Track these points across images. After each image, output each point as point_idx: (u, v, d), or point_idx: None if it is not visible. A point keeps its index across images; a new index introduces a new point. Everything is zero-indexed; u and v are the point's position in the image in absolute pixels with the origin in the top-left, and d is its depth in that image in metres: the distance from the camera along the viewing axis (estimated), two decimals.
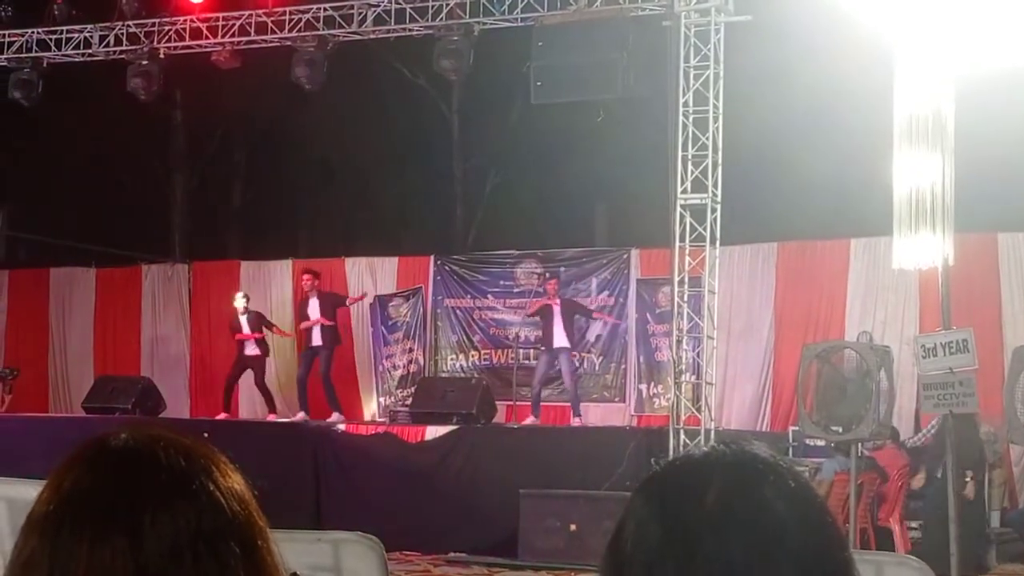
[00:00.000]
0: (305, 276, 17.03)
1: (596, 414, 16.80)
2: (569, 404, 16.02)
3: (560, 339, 15.63)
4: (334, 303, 16.85)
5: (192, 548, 1.29)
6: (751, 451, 1.27)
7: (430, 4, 15.15)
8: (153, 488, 1.31)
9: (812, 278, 16.51)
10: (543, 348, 16.00)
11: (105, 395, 16.22)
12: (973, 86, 10.09)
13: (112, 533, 1.27)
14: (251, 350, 16.88)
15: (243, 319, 16.94)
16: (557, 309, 15.69)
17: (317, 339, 16.50)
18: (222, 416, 16.30)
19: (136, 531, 1.28)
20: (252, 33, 16.03)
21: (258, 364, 16.94)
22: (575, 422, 15.48)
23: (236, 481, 1.37)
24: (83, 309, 20.76)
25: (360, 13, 15.58)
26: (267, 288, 19.33)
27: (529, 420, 15.38)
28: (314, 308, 16.57)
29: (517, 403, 16.20)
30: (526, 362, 17.34)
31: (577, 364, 16.57)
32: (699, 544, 1.19)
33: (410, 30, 15.53)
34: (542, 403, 16.08)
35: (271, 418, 16.64)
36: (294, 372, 17.31)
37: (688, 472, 1.27)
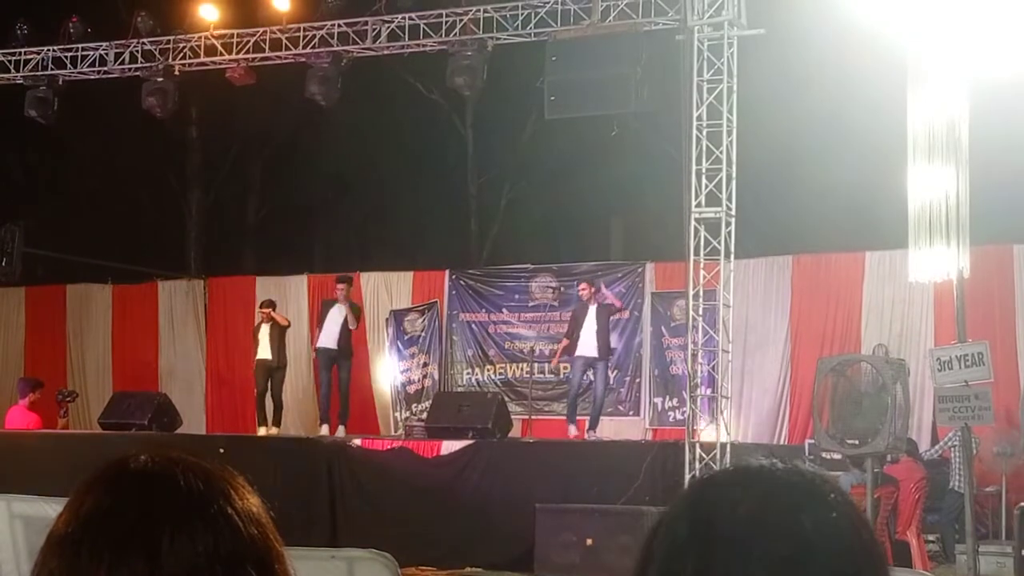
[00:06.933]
0: (340, 285, 16.53)
1: (611, 428, 16.77)
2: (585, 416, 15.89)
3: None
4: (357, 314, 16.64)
5: (210, 571, 1.29)
6: (803, 473, 1.27)
7: (444, 20, 15.20)
8: (172, 511, 1.31)
9: (827, 291, 16.48)
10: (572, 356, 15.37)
11: (121, 411, 16.22)
12: (987, 97, 10.09)
13: (130, 556, 1.28)
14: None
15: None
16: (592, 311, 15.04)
17: (331, 343, 16.09)
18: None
19: (154, 554, 1.28)
20: (267, 49, 16.11)
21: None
22: (590, 436, 15.17)
23: (253, 504, 1.38)
24: (100, 325, 20.83)
25: (374, 29, 15.64)
26: (283, 303, 19.34)
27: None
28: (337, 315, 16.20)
29: (532, 417, 16.19)
30: (541, 376, 17.33)
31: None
32: (721, 551, 1.20)
33: (424, 46, 15.58)
34: (545, 416, 16.11)
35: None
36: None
37: (732, 481, 1.27)
